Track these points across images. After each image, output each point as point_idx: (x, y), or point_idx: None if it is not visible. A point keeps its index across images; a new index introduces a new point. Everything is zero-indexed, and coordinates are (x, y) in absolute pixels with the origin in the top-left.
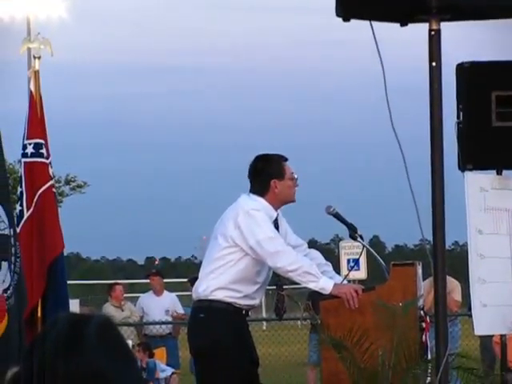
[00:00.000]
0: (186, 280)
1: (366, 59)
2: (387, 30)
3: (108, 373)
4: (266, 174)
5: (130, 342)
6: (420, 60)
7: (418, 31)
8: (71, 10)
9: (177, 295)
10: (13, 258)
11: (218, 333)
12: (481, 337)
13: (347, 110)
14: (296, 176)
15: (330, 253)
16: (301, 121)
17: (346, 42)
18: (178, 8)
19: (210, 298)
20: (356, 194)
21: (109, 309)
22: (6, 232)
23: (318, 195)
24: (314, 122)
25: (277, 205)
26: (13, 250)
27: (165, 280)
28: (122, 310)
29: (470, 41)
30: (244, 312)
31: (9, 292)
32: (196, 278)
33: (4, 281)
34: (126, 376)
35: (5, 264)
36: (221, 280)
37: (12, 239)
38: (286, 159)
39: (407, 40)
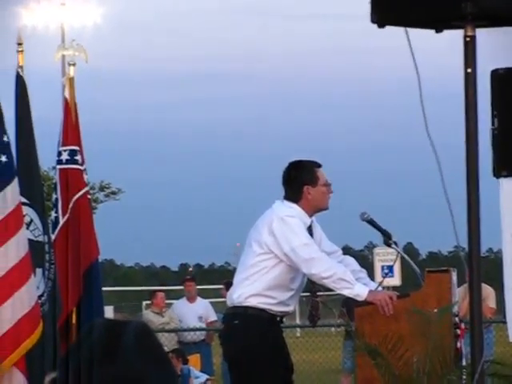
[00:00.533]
0: (219, 287)
1: (401, 66)
2: (422, 36)
3: (145, 378)
4: (298, 180)
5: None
6: (456, 66)
7: (454, 37)
8: (106, 17)
9: (210, 302)
10: (47, 265)
11: (252, 339)
12: None
13: (381, 115)
14: (330, 182)
15: (364, 259)
16: (335, 127)
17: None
18: (216, 15)
19: (245, 304)
20: (390, 201)
21: (149, 315)
22: (41, 239)
23: (352, 201)
24: (348, 128)
25: (310, 211)
26: (47, 256)
27: (198, 286)
28: (163, 317)
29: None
30: (278, 318)
31: (43, 298)
32: (231, 283)
33: (38, 287)
34: (164, 382)
35: (39, 271)
36: (255, 286)
37: (46, 246)
38: (320, 165)
39: (442, 46)
